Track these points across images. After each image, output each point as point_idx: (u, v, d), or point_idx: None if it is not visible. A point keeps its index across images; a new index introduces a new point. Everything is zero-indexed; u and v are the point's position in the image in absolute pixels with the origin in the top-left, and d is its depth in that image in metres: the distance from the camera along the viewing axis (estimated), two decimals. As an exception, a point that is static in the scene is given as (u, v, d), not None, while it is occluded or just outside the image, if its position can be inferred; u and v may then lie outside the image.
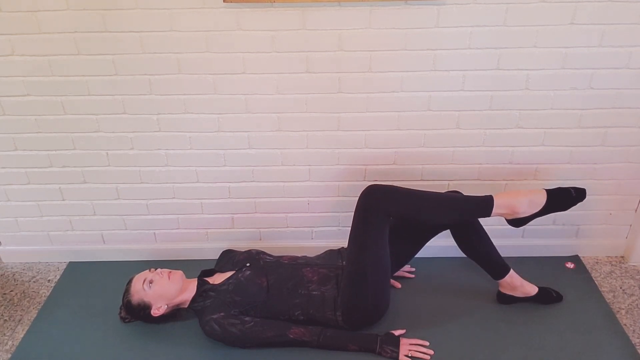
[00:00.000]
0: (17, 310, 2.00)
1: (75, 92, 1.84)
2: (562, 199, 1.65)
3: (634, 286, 2.03)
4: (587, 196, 1.99)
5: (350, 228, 1.73)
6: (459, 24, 1.70)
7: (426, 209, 1.66)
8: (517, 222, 1.71)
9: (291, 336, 1.72)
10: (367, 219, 1.67)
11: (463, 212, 1.69)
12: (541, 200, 1.65)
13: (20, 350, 1.82)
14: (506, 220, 1.73)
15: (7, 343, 1.86)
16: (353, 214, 1.72)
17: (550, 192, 1.65)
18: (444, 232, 1.88)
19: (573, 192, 1.65)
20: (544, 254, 2.16)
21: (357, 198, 1.70)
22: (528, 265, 2.09)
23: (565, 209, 1.66)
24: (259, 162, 1.99)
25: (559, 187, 1.67)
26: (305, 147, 1.95)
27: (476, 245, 1.83)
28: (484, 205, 1.65)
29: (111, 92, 1.84)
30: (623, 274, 2.09)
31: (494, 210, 1.65)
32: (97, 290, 2.07)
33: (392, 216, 1.68)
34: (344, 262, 1.87)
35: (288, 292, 1.79)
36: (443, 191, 1.94)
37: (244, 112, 1.88)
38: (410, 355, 1.71)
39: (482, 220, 1.91)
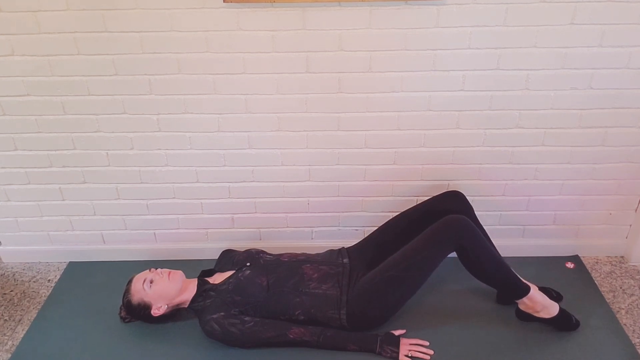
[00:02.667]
0: (17, 310, 2.00)
1: (75, 92, 1.84)
2: (566, 321, 1.80)
3: (634, 286, 2.03)
4: (587, 197, 2.01)
5: (416, 240, 1.75)
6: (459, 24, 1.70)
7: (489, 267, 1.73)
8: (525, 315, 1.83)
9: (291, 336, 1.72)
10: (444, 244, 1.71)
11: (504, 283, 1.77)
12: (553, 312, 1.79)
13: (20, 350, 1.82)
14: (517, 307, 1.84)
15: (7, 343, 1.86)
16: (430, 228, 1.73)
17: (561, 312, 1.80)
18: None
19: (574, 320, 1.81)
20: (544, 254, 2.16)
21: (442, 220, 1.72)
22: (528, 265, 2.09)
23: (560, 330, 1.81)
24: (259, 162, 1.99)
25: (567, 312, 1.81)
26: (305, 147, 1.95)
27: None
28: (522, 291, 1.77)
29: (111, 92, 1.84)
30: (623, 274, 2.09)
31: (522, 299, 1.78)
32: (97, 290, 2.07)
33: (460, 253, 1.72)
34: (344, 260, 1.87)
35: (288, 291, 1.79)
36: (443, 191, 1.94)
37: (244, 112, 1.88)
38: (410, 355, 1.71)
39: (481, 220, 1.92)
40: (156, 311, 1.78)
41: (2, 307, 2.02)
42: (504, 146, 1.94)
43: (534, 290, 1.78)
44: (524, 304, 1.79)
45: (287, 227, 2.17)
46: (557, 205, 2.08)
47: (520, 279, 1.76)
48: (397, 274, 1.73)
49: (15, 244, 2.22)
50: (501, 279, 1.76)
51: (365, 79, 1.80)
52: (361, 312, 1.75)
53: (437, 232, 1.73)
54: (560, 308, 1.80)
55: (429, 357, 1.72)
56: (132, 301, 1.79)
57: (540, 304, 1.78)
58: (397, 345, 1.72)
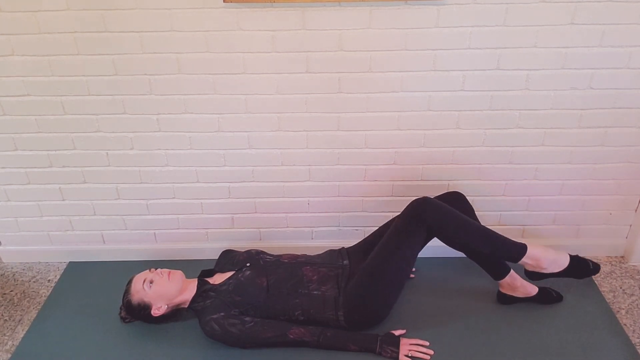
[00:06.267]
0: (17, 310, 2.00)
1: (75, 92, 1.84)
2: (581, 268, 1.76)
3: (634, 286, 2.03)
4: (587, 197, 2.00)
5: (388, 232, 1.76)
6: (459, 24, 1.70)
7: (469, 238, 1.70)
8: (536, 275, 1.78)
9: (291, 336, 1.72)
10: (411, 227, 1.71)
11: (497, 251, 1.72)
12: (564, 263, 1.75)
13: (20, 350, 1.82)
14: (525, 270, 1.79)
15: (7, 343, 1.86)
16: (398, 217, 1.75)
17: (573, 259, 1.76)
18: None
19: (591, 265, 1.77)
20: (544, 254, 2.16)
21: (407, 204, 1.74)
22: (528, 265, 2.09)
23: (580, 278, 1.77)
24: (259, 162, 1.99)
25: (580, 257, 1.78)
26: (305, 147, 1.95)
27: None
28: (517, 252, 1.71)
29: (111, 92, 1.84)
30: (623, 274, 2.09)
31: (522, 259, 1.71)
32: (97, 290, 2.07)
33: (433, 232, 1.71)
34: (344, 262, 1.87)
35: (288, 292, 1.79)
36: (443, 192, 1.94)
37: (244, 112, 1.88)
38: (410, 355, 1.71)
39: (481, 220, 1.92)
40: (156, 311, 1.78)
41: (2, 307, 2.02)
42: (504, 146, 1.94)
43: (530, 247, 1.70)
44: (526, 263, 1.73)
45: (287, 227, 2.17)
46: (557, 205, 2.08)
47: (511, 242, 1.70)
48: (378, 270, 1.73)
49: (15, 244, 2.22)
50: (492, 250, 1.70)
51: (365, 79, 1.80)
52: (356, 312, 1.75)
53: (402, 218, 1.74)
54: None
55: (429, 357, 1.72)
56: (132, 301, 1.79)
57: (541, 260, 1.72)
58: (397, 345, 1.72)
